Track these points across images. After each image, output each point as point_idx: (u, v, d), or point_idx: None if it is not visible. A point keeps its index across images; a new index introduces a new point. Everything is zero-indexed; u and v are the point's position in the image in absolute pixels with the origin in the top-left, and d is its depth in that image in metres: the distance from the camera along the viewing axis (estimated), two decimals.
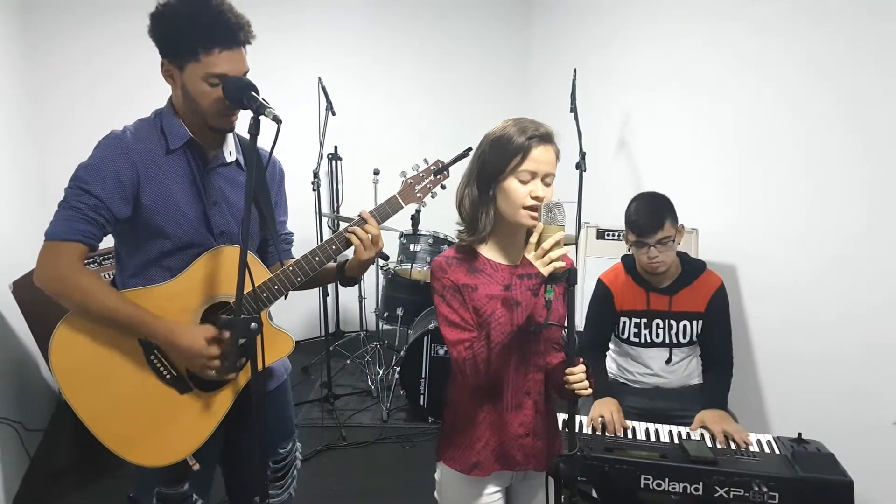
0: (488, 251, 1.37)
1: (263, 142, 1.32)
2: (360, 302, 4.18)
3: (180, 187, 1.39)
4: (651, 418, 2.01)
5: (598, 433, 1.88)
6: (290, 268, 1.43)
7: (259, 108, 1.26)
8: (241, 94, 1.29)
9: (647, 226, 2.02)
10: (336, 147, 4.26)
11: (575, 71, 3.54)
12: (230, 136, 1.48)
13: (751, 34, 2.75)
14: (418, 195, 1.54)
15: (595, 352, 2.28)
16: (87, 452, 2.71)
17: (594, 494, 2.07)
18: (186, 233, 1.39)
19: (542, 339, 1.35)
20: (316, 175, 3.17)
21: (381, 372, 3.57)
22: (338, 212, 3.95)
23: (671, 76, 3.32)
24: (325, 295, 3.30)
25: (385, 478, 2.74)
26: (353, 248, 1.49)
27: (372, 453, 2.99)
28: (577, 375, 1.23)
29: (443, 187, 1.57)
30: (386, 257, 3.69)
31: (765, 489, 1.60)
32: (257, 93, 1.29)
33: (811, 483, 1.61)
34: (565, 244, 1.25)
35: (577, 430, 1.89)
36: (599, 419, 1.92)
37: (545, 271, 1.22)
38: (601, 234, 3.14)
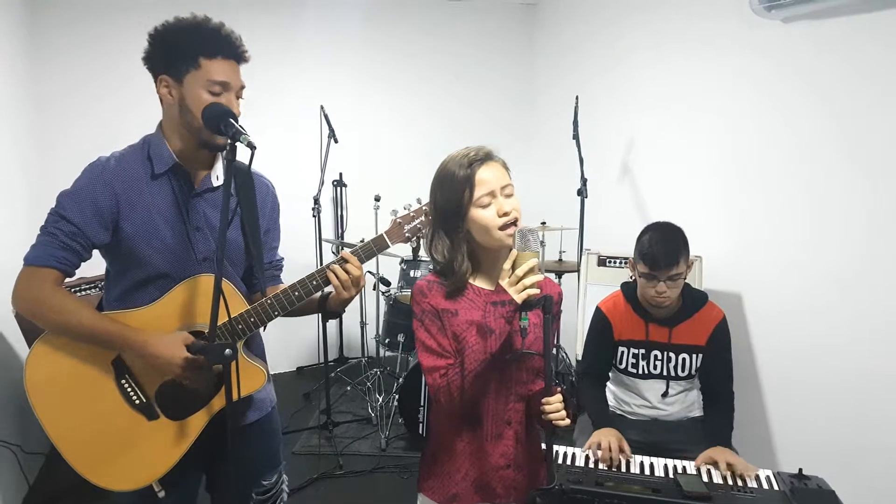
0: (472, 277, 1.35)
1: (258, 168, 1.32)
2: (362, 328, 4.17)
3: (162, 213, 1.39)
4: (649, 451, 1.93)
5: (592, 466, 1.82)
6: (269, 301, 1.42)
7: (235, 135, 1.27)
8: (220, 119, 1.29)
9: (661, 260, 1.93)
10: (341, 174, 4.30)
11: (577, 98, 3.55)
12: (219, 162, 1.48)
13: (753, 61, 2.74)
14: (406, 235, 1.52)
15: (594, 381, 2.22)
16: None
17: None
18: (168, 259, 1.39)
19: (524, 367, 1.33)
20: (317, 201, 3.18)
21: (380, 399, 3.53)
22: (342, 238, 3.97)
23: (673, 102, 3.32)
24: (326, 321, 3.28)
25: None
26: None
27: (369, 482, 2.94)
28: (554, 405, 1.21)
29: None
30: (388, 283, 3.68)
31: None
32: (235, 120, 1.30)
33: None
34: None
35: (563, 461, 1.84)
36: (597, 447, 1.84)
37: (519, 298, 1.20)
38: (602, 261, 3.11)
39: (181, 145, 1.41)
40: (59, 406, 1.36)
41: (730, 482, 1.72)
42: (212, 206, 1.47)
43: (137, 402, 1.38)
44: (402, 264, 3.62)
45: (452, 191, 1.27)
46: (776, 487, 1.70)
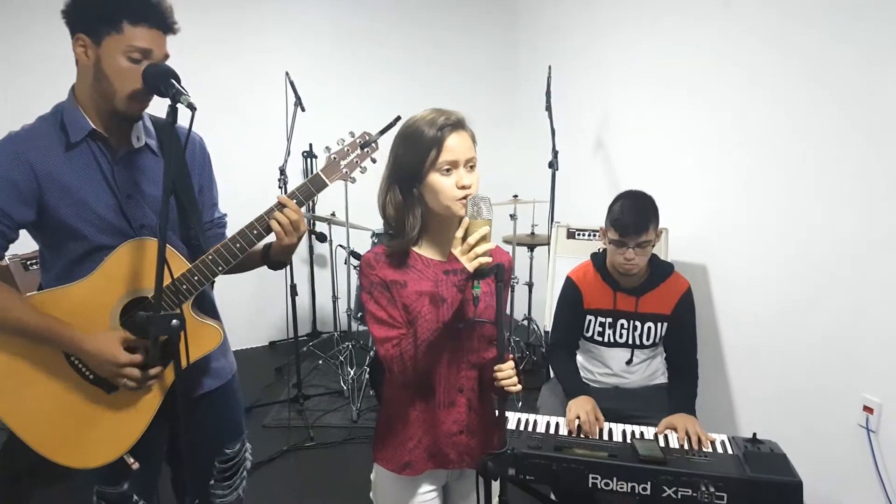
0: (420, 247, 1.34)
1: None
2: (334, 302, 4.15)
3: (87, 184, 1.33)
4: (610, 418, 1.97)
5: (553, 432, 1.85)
6: (210, 256, 1.37)
7: (176, 96, 1.21)
8: (161, 80, 1.23)
9: (631, 227, 1.97)
10: (311, 145, 4.24)
11: (550, 68, 3.53)
12: (139, 121, 1.40)
13: (726, 36, 2.74)
14: (344, 171, 1.46)
15: (565, 351, 2.24)
16: None
17: (552, 496, 2.05)
18: (103, 230, 1.34)
19: (476, 336, 1.32)
20: (283, 172, 3.13)
21: (352, 372, 3.54)
22: (313, 211, 3.92)
23: (645, 77, 3.31)
24: (295, 295, 3.27)
25: (351, 477, 2.71)
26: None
27: (340, 453, 2.96)
28: (506, 372, 1.21)
29: (373, 160, 1.49)
30: (359, 256, 3.67)
31: (712, 489, 1.57)
32: (177, 80, 1.24)
33: (760, 484, 1.57)
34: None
35: (525, 428, 1.86)
36: (576, 420, 1.86)
37: (471, 267, 1.19)
38: (571, 234, 3.12)
39: (95, 111, 1.33)
40: (11, 393, 1.31)
41: (685, 447, 1.76)
42: (139, 170, 1.40)
43: (92, 376, 1.35)
44: (374, 237, 3.60)
45: (417, 148, 1.24)
46: (730, 451, 1.74)
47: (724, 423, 2.77)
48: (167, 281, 1.24)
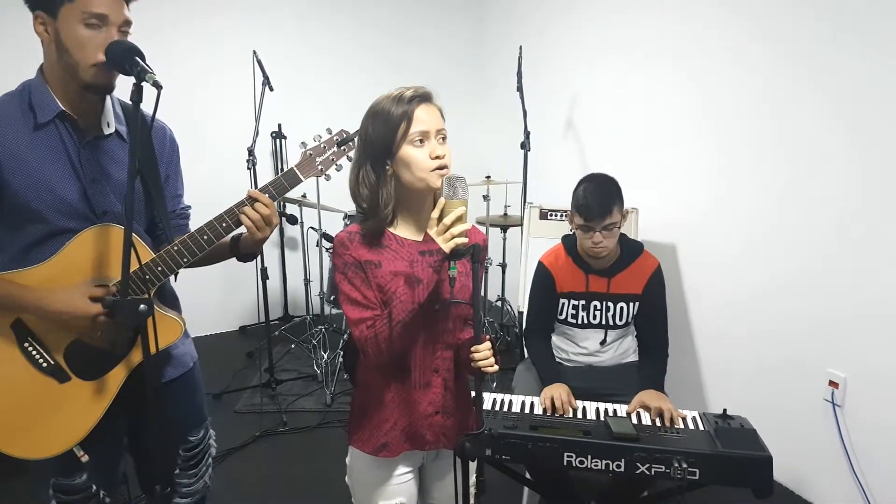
0: (395, 227, 1.31)
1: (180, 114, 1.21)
2: (306, 286, 4.09)
3: (53, 166, 1.27)
4: (584, 397, 1.99)
5: (528, 411, 1.86)
6: (176, 247, 1.33)
7: (141, 74, 1.16)
8: (125, 57, 1.18)
9: (595, 211, 1.97)
10: (280, 125, 4.14)
11: (521, 48, 3.49)
12: (109, 106, 1.36)
13: (695, 14, 2.74)
14: (319, 167, 1.44)
15: (540, 337, 2.25)
16: None
17: (527, 475, 2.07)
18: (65, 215, 1.29)
19: (451, 316, 1.31)
20: (251, 153, 3.05)
21: (325, 356, 3.50)
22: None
23: (615, 55, 3.31)
24: (265, 279, 3.20)
25: (325, 462, 2.69)
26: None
27: (314, 438, 2.93)
28: (483, 353, 1.19)
29: (349, 159, 1.48)
30: (331, 239, 3.61)
31: (685, 465, 1.60)
32: (142, 58, 1.19)
33: (731, 459, 1.61)
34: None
35: (500, 408, 1.87)
36: (549, 401, 1.88)
37: (447, 248, 1.17)
38: (544, 215, 3.12)
39: (63, 90, 1.28)
40: None
41: (658, 424, 1.78)
42: (106, 155, 1.35)
43: (45, 365, 1.30)
44: (346, 219, 3.55)
45: (387, 123, 1.22)
46: (701, 427, 1.77)
47: (695, 400, 2.83)
48: (133, 269, 1.20)
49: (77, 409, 1.33)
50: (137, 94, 1.18)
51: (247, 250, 1.47)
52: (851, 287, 2.15)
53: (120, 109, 1.41)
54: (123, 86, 1.26)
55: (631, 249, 2.17)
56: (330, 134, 1.45)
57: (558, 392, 1.91)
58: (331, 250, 3.50)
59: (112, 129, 1.36)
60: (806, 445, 2.33)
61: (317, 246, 3.74)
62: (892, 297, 2.03)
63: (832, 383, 2.21)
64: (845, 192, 2.15)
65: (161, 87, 1.16)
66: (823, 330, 2.25)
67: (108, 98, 1.35)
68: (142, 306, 1.17)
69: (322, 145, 1.44)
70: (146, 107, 1.22)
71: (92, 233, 1.29)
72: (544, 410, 1.87)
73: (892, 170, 2.01)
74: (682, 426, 1.78)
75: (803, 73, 2.25)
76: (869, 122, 2.06)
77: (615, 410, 1.87)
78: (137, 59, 1.18)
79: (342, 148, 1.44)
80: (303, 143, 1.44)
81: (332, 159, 1.45)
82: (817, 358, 2.27)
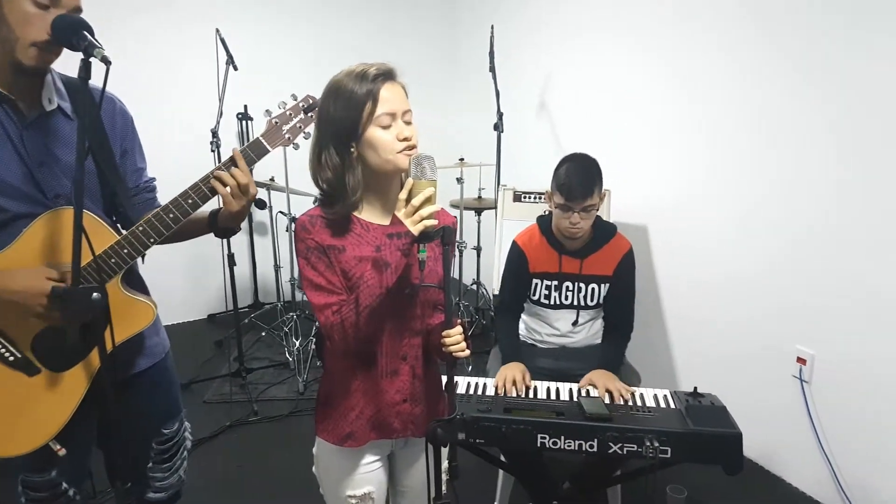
0: (360, 211, 1.26)
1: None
2: (277, 271, 4.02)
3: None
4: (557, 377, 2.00)
5: (502, 394, 1.85)
6: (141, 227, 1.27)
7: (89, 49, 1.09)
8: (72, 32, 1.11)
9: (576, 191, 1.95)
10: (246, 106, 4.03)
11: (492, 28, 3.44)
12: (49, 81, 1.28)
13: None
14: (287, 136, 1.37)
15: (509, 315, 2.24)
16: None
17: (502, 458, 2.06)
18: (16, 200, 1.21)
19: (419, 302, 1.27)
20: (215, 134, 2.96)
21: (297, 343, 3.45)
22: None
23: (588, 36, 3.28)
24: (233, 265, 3.13)
25: (298, 451, 2.64)
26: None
27: (286, 426, 2.89)
28: (454, 337, 1.17)
29: None
30: (263, 205, 3.55)
31: (656, 444, 1.60)
32: (91, 32, 1.12)
33: (701, 436, 1.62)
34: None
35: (475, 392, 1.86)
36: (503, 381, 1.89)
37: (415, 230, 1.13)
38: (517, 197, 3.10)
39: (0, 71, 1.20)
40: None
41: (629, 403, 1.79)
42: (52, 135, 1.28)
43: (12, 359, 1.24)
44: (316, 203, 3.48)
45: (350, 104, 1.16)
46: (672, 406, 1.78)
47: (667, 379, 2.87)
48: (89, 258, 1.14)
49: (50, 403, 1.27)
50: (85, 70, 1.11)
51: (224, 224, 1.41)
52: (821, 267, 2.18)
53: (62, 84, 1.33)
54: (71, 61, 1.18)
55: (604, 231, 2.16)
56: (296, 100, 1.38)
57: (513, 372, 1.91)
58: (293, 232, 3.43)
59: (55, 105, 1.28)
60: (775, 421, 2.38)
61: (286, 231, 3.67)
62: (858, 277, 2.07)
63: (800, 360, 2.25)
64: (816, 176, 2.17)
65: (110, 63, 1.10)
66: (792, 308, 2.29)
67: (47, 73, 1.27)
68: (95, 294, 1.12)
69: (288, 112, 1.37)
70: (97, 85, 1.15)
71: (47, 218, 1.22)
72: (495, 389, 1.86)
73: (862, 153, 2.03)
74: (653, 404, 1.79)
75: (780, 56, 2.26)
76: (841, 104, 2.07)
77: (587, 391, 1.87)
78: (85, 33, 1.11)
79: (310, 115, 1.37)
80: (267, 111, 1.36)
81: (300, 126, 1.37)
82: (786, 335, 2.31)
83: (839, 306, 2.13)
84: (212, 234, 1.46)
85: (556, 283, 2.15)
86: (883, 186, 1.97)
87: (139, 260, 1.34)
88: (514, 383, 1.88)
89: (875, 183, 2.00)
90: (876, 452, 2.06)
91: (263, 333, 3.72)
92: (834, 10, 2.05)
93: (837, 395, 2.17)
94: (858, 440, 2.12)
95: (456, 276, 4.02)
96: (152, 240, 1.28)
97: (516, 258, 2.19)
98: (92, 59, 1.11)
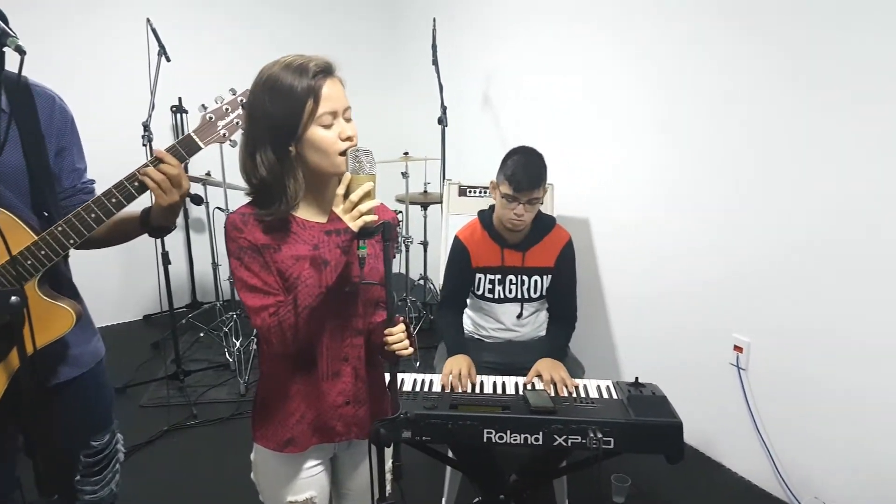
0: (295, 209, 1.21)
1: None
2: (215, 270, 3.87)
3: None
4: (505, 371, 2.00)
5: (448, 391, 1.83)
6: (60, 228, 1.19)
7: (2, 38, 1.03)
8: None
9: (524, 183, 1.97)
10: (180, 99, 3.85)
11: (434, 21, 3.42)
12: None
13: None
14: (223, 132, 1.30)
15: (452, 309, 2.23)
16: None
17: (450, 454, 2.06)
18: None
19: (360, 300, 1.23)
20: (147, 128, 2.81)
21: (238, 343, 3.34)
22: (185, 171, 3.59)
23: (528, 29, 3.29)
24: (167, 263, 2.99)
25: (240, 454, 2.54)
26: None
27: (227, 429, 2.79)
28: (397, 336, 1.14)
29: None
30: (199, 200, 3.43)
31: (600, 435, 1.62)
32: (5, 21, 1.05)
33: (643, 426, 1.65)
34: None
35: (420, 388, 1.84)
36: (449, 376, 1.87)
37: (355, 226, 1.10)
38: (463, 191, 3.09)
39: None
40: None
41: (573, 395, 1.81)
42: None
43: None
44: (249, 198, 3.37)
45: (289, 101, 1.10)
46: (615, 396, 1.81)
47: (609, 369, 2.93)
48: (5, 256, 1.07)
49: None
50: None
51: (158, 222, 1.33)
52: (754, 254, 2.26)
53: None
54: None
55: (544, 224, 2.19)
56: (234, 94, 1.31)
57: (458, 365, 1.91)
58: (224, 231, 3.30)
59: None
60: (713, 408, 2.46)
61: (180, 209, 3.54)
62: (791, 263, 2.14)
63: (737, 348, 2.34)
64: (747, 158, 2.24)
65: (24, 53, 1.04)
66: (728, 296, 2.37)
67: None
68: (13, 298, 1.05)
69: (224, 107, 1.30)
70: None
71: None
72: (442, 387, 1.85)
73: (795, 131, 2.07)
74: (597, 395, 1.81)
75: (711, 40, 2.32)
76: (778, 80, 2.09)
77: (533, 384, 1.88)
78: None
79: (245, 130, 1.31)
80: (202, 105, 1.29)
81: (237, 122, 1.30)
82: (723, 323, 2.39)
83: (774, 294, 2.21)
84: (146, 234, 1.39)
85: (499, 276, 2.16)
86: (816, 174, 2.02)
87: (65, 262, 1.26)
88: (461, 377, 1.87)
89: (810, 173, 2.05)
90: (810, 437, 2.15)
91: (202, 334, 3.59)
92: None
93: (773, 382, 2.25)
94: (793, 425, 2.21)
95: (403, 271, 3.99)
96: (72, 241, 1.20)
97: (458, 253, 2.19)
98: (5, 49, 1.04)
